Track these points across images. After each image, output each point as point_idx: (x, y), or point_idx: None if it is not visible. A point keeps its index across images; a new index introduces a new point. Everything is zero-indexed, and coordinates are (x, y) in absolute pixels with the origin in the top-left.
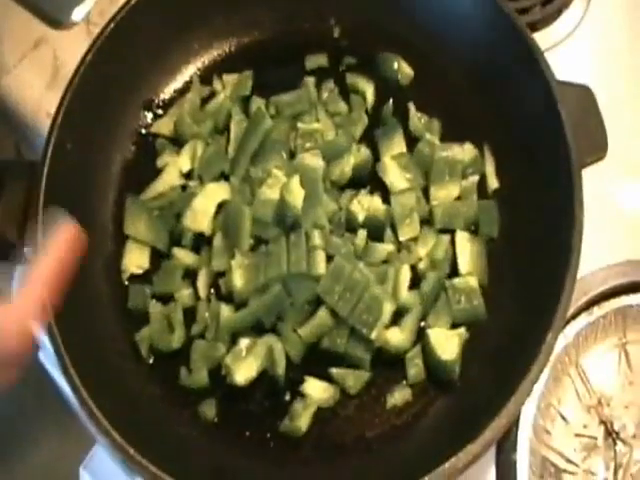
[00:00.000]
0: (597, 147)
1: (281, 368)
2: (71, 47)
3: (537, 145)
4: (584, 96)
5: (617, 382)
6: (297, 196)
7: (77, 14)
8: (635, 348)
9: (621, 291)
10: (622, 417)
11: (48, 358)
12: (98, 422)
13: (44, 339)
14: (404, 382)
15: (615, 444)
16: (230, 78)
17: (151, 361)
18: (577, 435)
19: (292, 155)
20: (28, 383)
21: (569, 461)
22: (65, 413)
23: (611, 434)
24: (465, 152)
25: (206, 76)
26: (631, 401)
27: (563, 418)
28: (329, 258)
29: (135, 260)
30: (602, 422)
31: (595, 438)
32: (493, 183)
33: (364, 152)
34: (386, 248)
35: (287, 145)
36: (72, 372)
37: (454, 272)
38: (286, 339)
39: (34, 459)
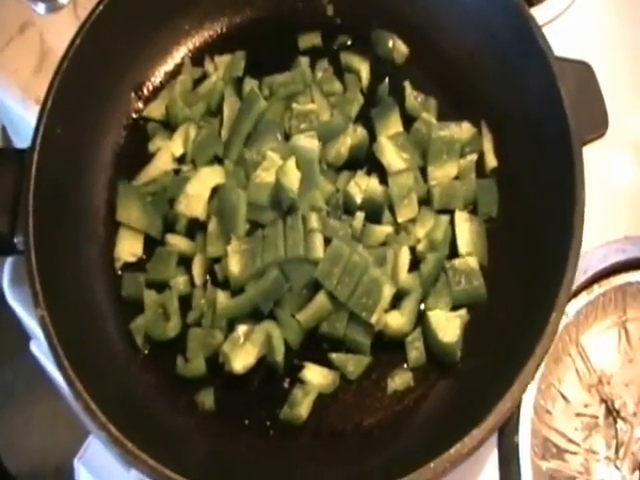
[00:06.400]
0: (597, 124)
1: (280, 355)
2: (58, 31)
3: (536, 123)
4: (583, 72)
5: (617, 360)
6: (293, 179)
7: None
8: (635, 326)
9: (621, 268)
10: (622, 395)
11: (40, 348)
12: (94, 416)
13: (37, 330)
14: (405, 366)
15: (616, 422)
16: (222, 59)
17: (146, 351)
18: (578, 415)
19: (287, 137)
20: (19, 372)
21: (570, 441)
22: (55, 403)
23: (612, 412)
24: (463, 131)
25: (197, 57)
26: (631, 379)
27: (564, 398)
28: (326, 241)
29: (128, 248)
30: (603, 401)
31: (596, 417)
32: (491, 161)
33: (360, 132)
34: (384, 230)
35: (282, 126)
36: (66, 365)
37: (453, 253)
38: (284, 325)
39: (24, 449)
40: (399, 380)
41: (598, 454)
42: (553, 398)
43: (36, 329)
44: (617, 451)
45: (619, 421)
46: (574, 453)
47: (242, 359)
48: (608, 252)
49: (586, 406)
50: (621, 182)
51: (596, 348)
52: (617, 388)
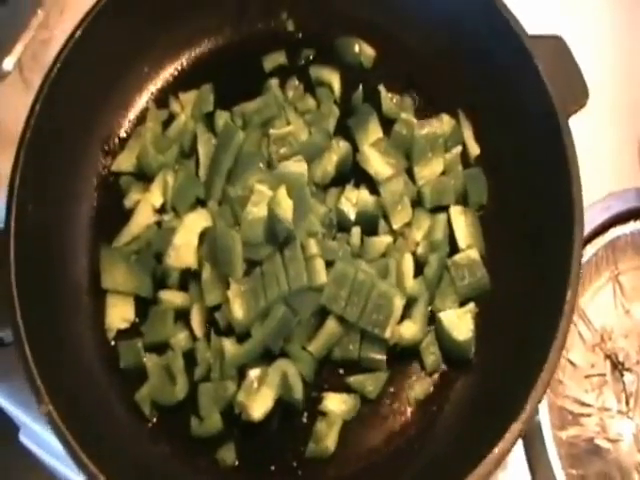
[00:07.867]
0: (578, 96)
1: (299, 393)
2: (7, 99)
3: (517, 104)
4: (557, 46)
5: (615, 314)
6: (287, 208)
7: (7, 64)
8: (627, 277)
9: (608, 225)
10: (624, 347)
11: (32, 438)
12: None
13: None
14: (422, 373)
15: (622, 375)
16: (187, 96)
17: (155, 419)
18: (587, 377)
19: (268, 165)
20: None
21: (583, 404)
22: None
23: (617, 366)
24: (444, 124)
25: (162, 99)
26: (630, 329)
27: (572, 364)
28: (326, 264)
29: (119, 315)
30: (607, 357)
31: (603, 375)
32: (474, 150)
33: (343, 146)
34: (383, 241)
35: (262, 155)
36: (86, 461)
37: (452, 249)
38: (297, 359)
39: None
40: (419, 388)
41: (611, 410)
42: (563, 367)
43: (25, 419)
44: (627, 402)
45: (625, 373)
46: (589, 415)
47: (260, 405)
48: (594, 212)
49: (592, 366)
50: (600, 142)
51: (594, 308)
52: (618, 341)
